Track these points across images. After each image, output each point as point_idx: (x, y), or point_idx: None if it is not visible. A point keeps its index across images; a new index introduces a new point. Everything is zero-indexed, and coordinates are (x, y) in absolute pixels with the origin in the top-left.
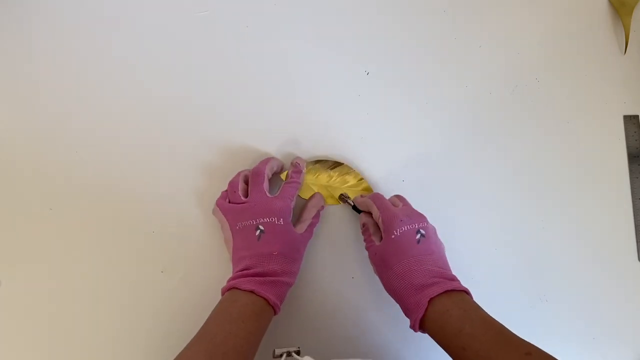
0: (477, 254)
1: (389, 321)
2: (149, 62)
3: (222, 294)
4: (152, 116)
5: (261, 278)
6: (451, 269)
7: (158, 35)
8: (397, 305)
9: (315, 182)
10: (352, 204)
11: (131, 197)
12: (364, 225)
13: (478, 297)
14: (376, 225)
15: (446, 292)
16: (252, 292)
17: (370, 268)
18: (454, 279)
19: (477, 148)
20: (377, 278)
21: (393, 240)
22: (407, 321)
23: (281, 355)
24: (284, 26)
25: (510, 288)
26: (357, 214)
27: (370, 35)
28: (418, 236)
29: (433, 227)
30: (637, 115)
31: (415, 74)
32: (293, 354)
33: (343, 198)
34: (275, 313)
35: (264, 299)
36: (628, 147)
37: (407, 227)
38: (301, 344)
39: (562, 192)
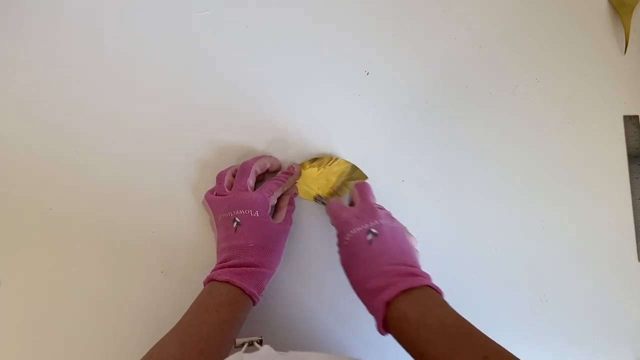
0: (478, 254)
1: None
2: (148, 62)
3: (204, 285)
4: (152, 116)
5: (237, 269)
6: (420, 263)
7: (158, 35)
8: None
9: (317, 180)
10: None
11: (131, 197)
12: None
13: (478, 298)
14: None
15: (403, 292)
16: (227, 282)
17: None
18: (413, 274)
19: (477, 148)
20: None
21: (346, 246)
22: None
23: (242, 345)
24: (283, 26)
25: (510, 288)
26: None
27: (370, 35)
28: (369, 237)
29: (389, 219)
30: (637, 116)
31: (415, 74)
32: (255, 343)
33: (317, 199)
34: (254, 303)
35: (240, 288)
36: (628, 147)
37: (356, 230)
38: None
39: (562, 192)
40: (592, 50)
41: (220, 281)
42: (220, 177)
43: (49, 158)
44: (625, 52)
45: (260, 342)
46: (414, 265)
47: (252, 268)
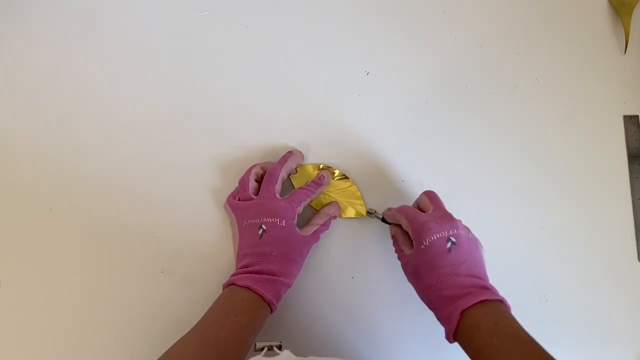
0: None
1: (386, 320)
2: (149, 62)
3: (223, 289)
4: (151, 116)
5: (258, 275)
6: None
7: (159, 35)
8: (395, 306)
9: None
10: (381, 217)
11: (131, 197)
12: (393, 236)
13: None
14: (404, 234)
15: (479, 302)
16: (247, 288)
17: (368, 270)
18: (487, 287)
19: (477, 148)
20: (375, 278)
21: (423, 250)
22: (404, 322)
23: (262, 349)
24: (283, 26)
25: (510, 288)
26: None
27: (370, 35)
28: (449, 244)
29: (466, 230)
30: (637, 115)
31: (415, 74)
32: (274, 348)
33: (371, 212)
34: (271, 311)
35: (259, 295)
36: (628, 147)
37: (436, 236)
38: (299, 342)
39: (561, 191)
40: (592, 51)
41: (241, 286)
42: (243, 184)
43: (49, 158)
44: (625, 52)
45: (280, 347)
46: (486, 278)
47: (273, 277)
